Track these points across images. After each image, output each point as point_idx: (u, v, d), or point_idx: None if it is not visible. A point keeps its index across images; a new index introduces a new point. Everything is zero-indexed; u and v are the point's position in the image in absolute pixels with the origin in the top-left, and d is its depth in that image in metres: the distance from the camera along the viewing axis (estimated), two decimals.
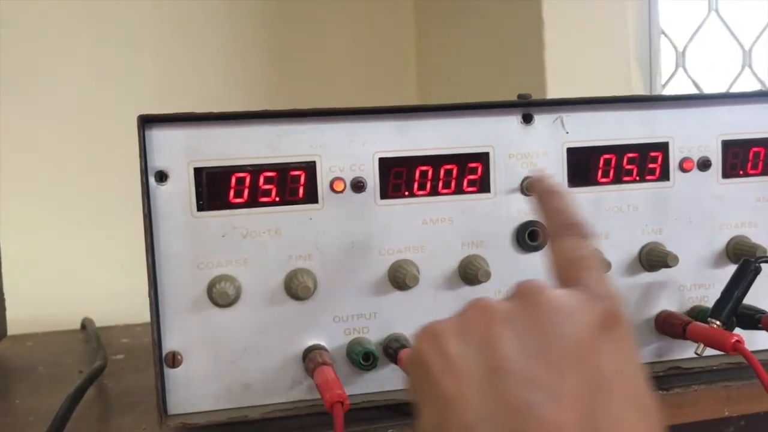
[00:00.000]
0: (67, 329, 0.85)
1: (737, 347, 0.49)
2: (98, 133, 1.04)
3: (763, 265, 0.55)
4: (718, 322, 0.52)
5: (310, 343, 0.52)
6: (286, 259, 0.52)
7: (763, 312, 0.55)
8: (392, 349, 0.52)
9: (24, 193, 1.01)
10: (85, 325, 0.83)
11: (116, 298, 0.86)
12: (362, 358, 0.50)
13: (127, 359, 0.70)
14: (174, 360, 0.50)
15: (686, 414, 0.56)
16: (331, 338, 0.53)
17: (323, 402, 0.45)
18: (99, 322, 0.84)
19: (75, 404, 0.53)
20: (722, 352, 0.51)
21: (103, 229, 1.02)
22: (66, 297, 0.93)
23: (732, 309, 0.53)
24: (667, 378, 0.57)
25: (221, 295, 0.49)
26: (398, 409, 0.53)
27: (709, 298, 0.57)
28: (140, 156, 0.49)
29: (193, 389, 0.51)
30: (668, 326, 0.56)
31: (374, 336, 0.53)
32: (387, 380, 0.53)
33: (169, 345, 0.50)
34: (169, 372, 0.51)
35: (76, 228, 1.03)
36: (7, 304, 0.76)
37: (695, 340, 0.53)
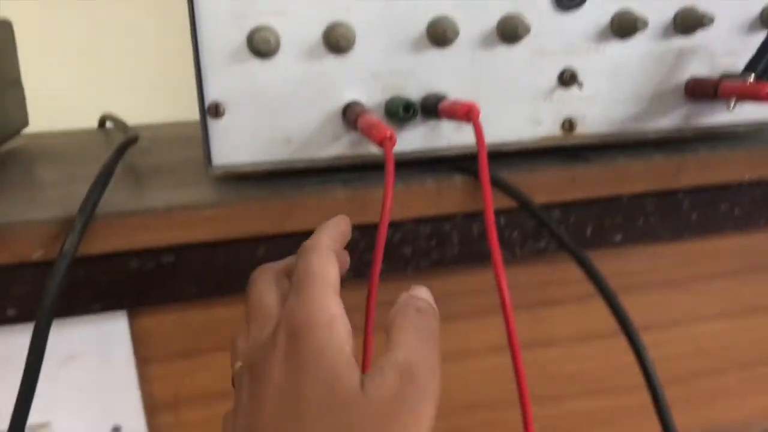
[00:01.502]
0: (86, 128, 0.85)
1: None
2: None
3: None
4: (752, 76, 0.53)
5: (349, 98, 0.53)
6: (325, 11, 0.51)
7: None
8: (431, 103, 0.52)
9: None
10: (105, 120, 0.82)
11: (136, 97, 0.86)
12: (403, 108, 0.51)
13: (152, 146, 0.71)
14: (217, 110, 0.51)
15: (711, 175, 0.58)
16: (369, 95, 0.53)
17: (372, 140, 0.46)
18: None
19: (117, 159, 0.54)
20: (756, 104, 0.52)
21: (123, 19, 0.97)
22: (85, 94, 0.92)
23: None
24: (694, 142, 0.58)
25: (263, 41, 0.49)
26: (436, 162, 0.54)
27: (739, 65, 0.57)
28: None
29: (236, 140, 0.52)
30: (699, 89, 0.56)
31: (412, 94, 0.53)
32: (424, 138, 0.54)
33: (211, 95, 0.51)
34: (212, 123, 0.51)
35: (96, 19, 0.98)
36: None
37: (727, 96, 0.53)
